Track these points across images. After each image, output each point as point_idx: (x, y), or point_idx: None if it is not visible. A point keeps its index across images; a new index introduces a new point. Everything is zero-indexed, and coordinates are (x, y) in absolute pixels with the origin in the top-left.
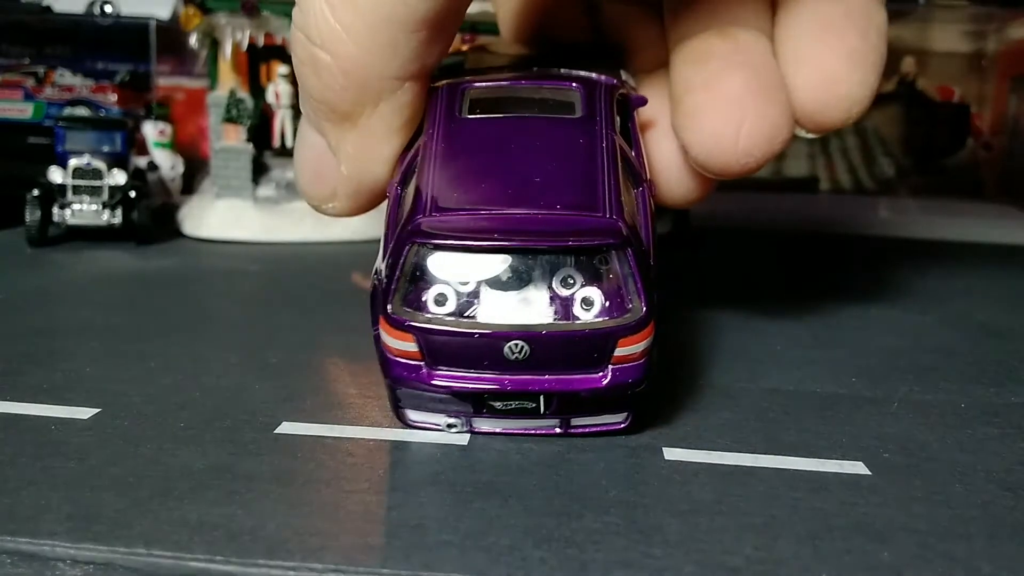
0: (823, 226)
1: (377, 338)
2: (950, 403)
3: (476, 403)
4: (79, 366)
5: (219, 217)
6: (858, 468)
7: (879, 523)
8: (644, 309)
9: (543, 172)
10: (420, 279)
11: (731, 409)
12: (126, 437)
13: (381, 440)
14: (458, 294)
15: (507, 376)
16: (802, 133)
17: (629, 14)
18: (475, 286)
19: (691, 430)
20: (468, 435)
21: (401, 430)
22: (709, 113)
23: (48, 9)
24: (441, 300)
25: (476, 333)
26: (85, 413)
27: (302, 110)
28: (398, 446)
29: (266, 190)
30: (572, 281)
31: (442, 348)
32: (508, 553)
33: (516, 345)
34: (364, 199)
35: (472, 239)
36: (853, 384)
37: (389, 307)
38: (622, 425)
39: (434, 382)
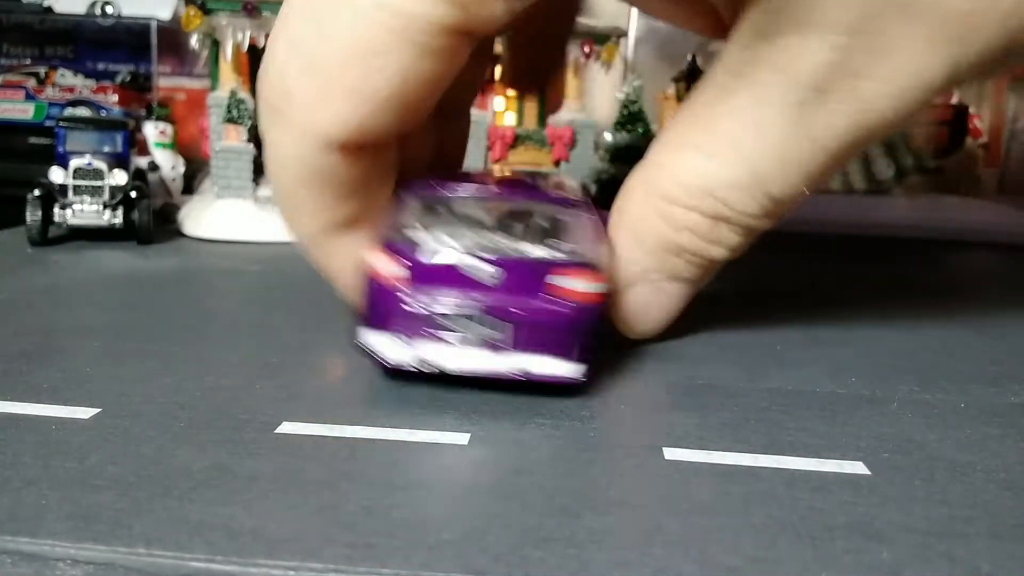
0: (822, 225)
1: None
2: (950, 402)
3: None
4: (79, 366)
5: (220, 217)
6: (858, 468)
7: (879, 523)
8: (591, 257)
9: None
10: (413, 226)
11: (731, 409)
12: (127, 437)
13: (381, 439)
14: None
15: (481, 296)
16: None
17: None
18: (457, 228)
19: (691, 430)
20: (467, 436)
21: (402, 430)
22: None
23: (49, 10)
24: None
25: (456, 255)
26: (85, 413)
27: None
28: (398, 445)
29: (267, 190)
30: (536, 230)
31: (426, 271)
32: (508, 553)
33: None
34: None
35: (452, 192)
36: (853, 384)
37: (388, 238)
38: (581, 379)
39: (418, 299)
